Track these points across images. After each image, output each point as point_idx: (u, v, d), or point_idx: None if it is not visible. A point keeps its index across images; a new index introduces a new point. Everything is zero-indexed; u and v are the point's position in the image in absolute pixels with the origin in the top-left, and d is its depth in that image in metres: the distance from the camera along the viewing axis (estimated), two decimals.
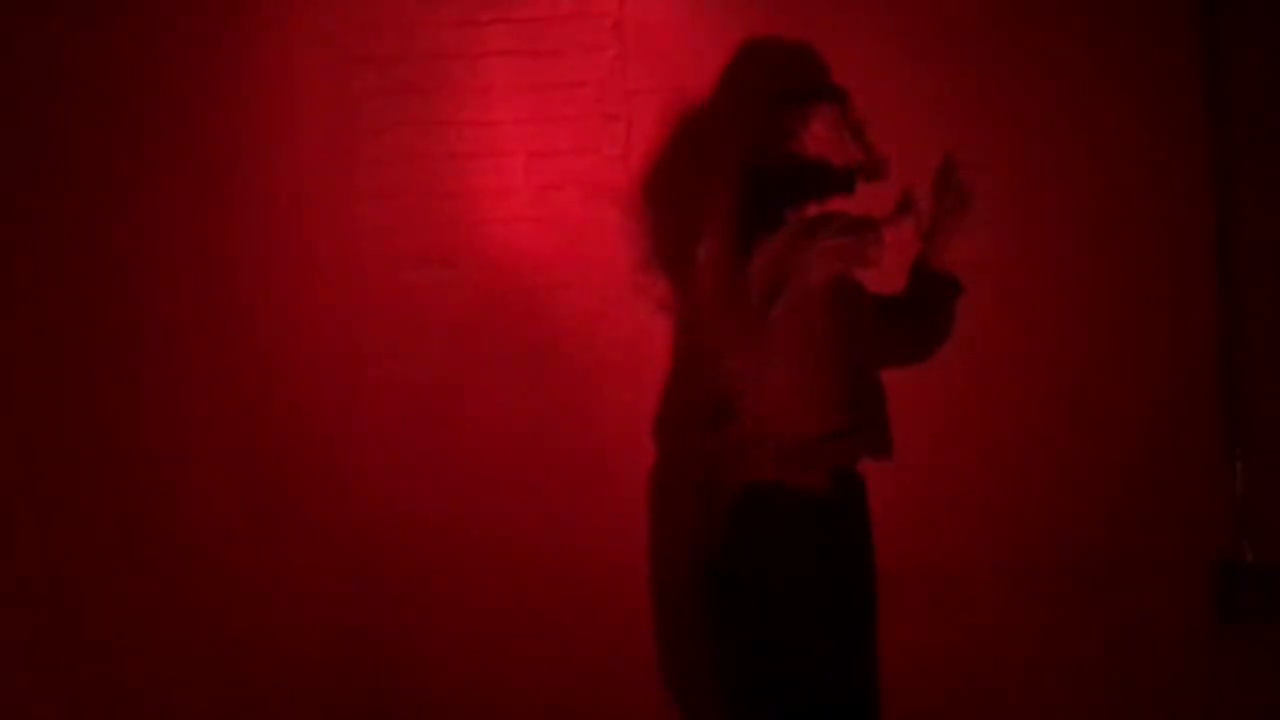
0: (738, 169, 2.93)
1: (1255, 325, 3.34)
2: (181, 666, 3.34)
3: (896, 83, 3.31)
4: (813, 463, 2.82)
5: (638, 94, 3.33)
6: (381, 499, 3.36)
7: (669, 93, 3.32)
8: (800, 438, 2.82)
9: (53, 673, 3.33)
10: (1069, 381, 3.35)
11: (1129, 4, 3.36)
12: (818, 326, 2.82)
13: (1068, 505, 3.34)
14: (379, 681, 3.36)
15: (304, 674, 3.35)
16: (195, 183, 3.36)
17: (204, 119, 3.35)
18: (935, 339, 3.01)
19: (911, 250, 2.90)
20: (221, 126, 3.35)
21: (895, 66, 3.32)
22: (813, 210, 2.81)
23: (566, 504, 3.35)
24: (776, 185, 2.86)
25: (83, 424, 3.35)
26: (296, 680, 3.35)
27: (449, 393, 3.36)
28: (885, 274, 2.94)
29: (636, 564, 3.34)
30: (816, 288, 2.78)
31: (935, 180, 2.88)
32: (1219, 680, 3.34)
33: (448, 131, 3.35)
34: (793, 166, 2.89)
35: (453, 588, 3.36)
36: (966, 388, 3.29)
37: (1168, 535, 3.34)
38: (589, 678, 3.34)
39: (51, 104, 3.35)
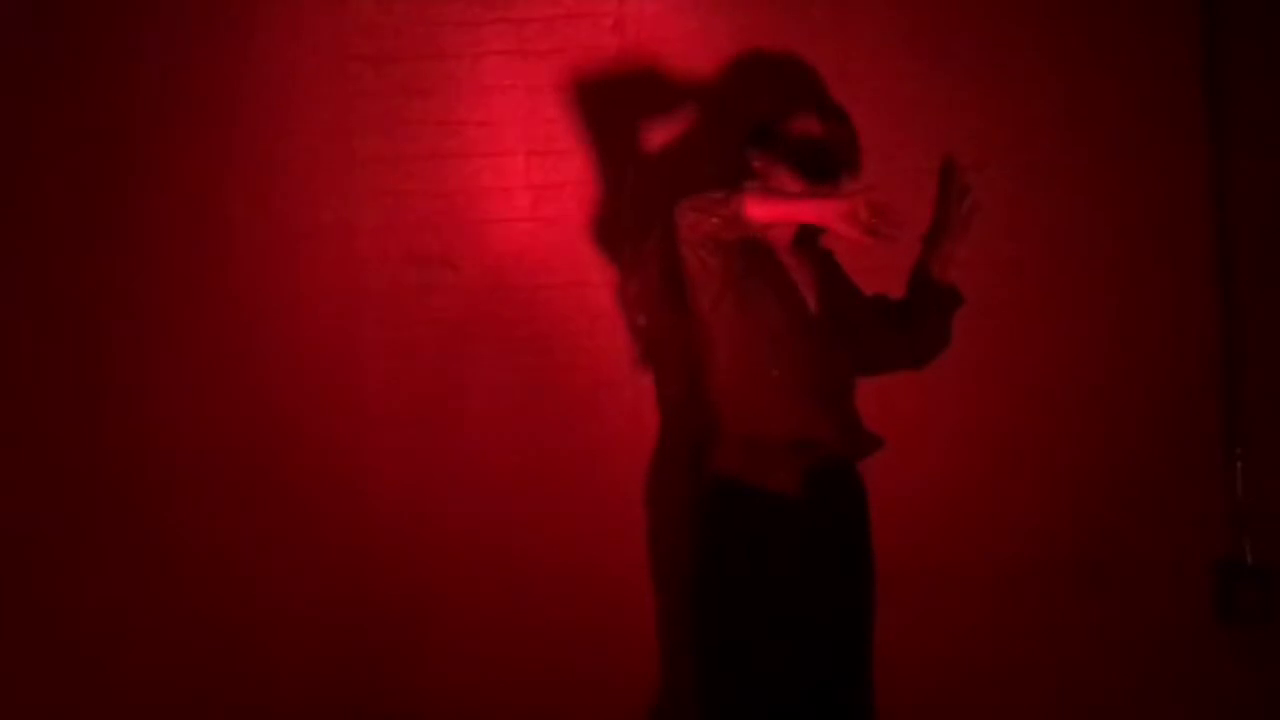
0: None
1: (1255, 325, 3.34)
2: (181, 666, 3.34)
3: (895, 82, 3.32)
4: (778, 463, 2.81)
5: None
6: (381, 498, 3.35)
7: (668, 92, 3.32)
8: (764, 436, 2.82)
9: (52, 672, 3.33)
10: (1069, 381, 3.35)
11: (1129, 3, 3.36)
12: (762, 325, 2.82)
13: (1068, 505, 3.35)
14: (376, 680, 3.36)
15: (302, 673, 3.35)
16: (195, 183, 3.35)
17: (204, 119, 3.35)
18: (933, 348, 3.01)
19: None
20: (222, 126, 3.35)
21: (894, 66, 3.32)
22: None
23: (566, 503, 3.34)
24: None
25: (82, 424, 3.35)
26: (294, 679, 3.35)
27: (449, 393, 3.36)
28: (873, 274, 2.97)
29: (637, 563, 3.34)
30: (686, 246, 2.73)
31: (939, 189, 2.89)
32: (1219, 680, 3.34)
33: (448, 131, 3.35)
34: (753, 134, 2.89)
35: (452, 586, 3.35)
36: (966, 387, 3.29)
37: (1168, 535, 3.34)
38: (590, 676, 3.34)
39: (49, 104, 3.34)
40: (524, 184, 3.35)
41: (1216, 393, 3.35)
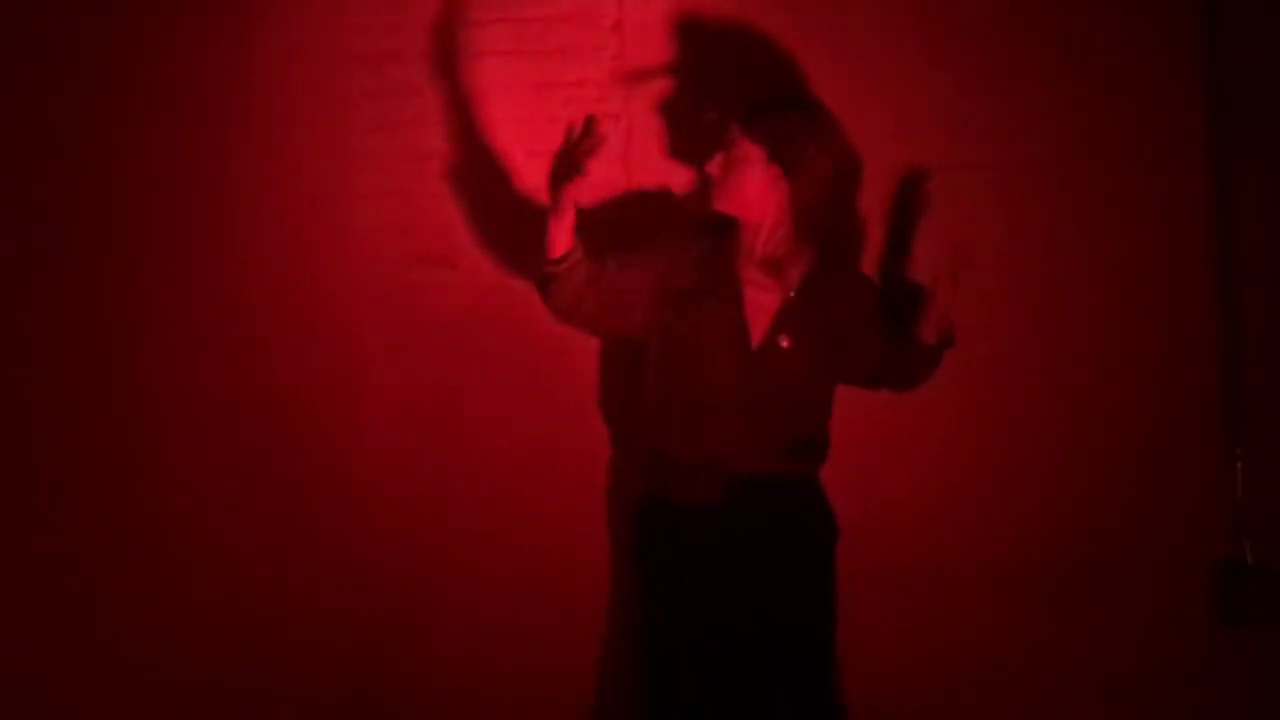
0: None
1: (1255, 325, 3.34)
2: (179, 658, 3.34)
3: (895, 82, 3.32)
4: (698, 478, 2.84)
5: (637, 94, 3.33)
6: (382, 498, 3.36)
7: (668, 93, 3.32)
8: (683, 455, 2.86)
9: (48, 664, 3.34)
10: (1068, 382, 3.35)
11: (1129, 4, 3.35)
12: (690, 345, 2.86)
13: (1068, 505, 3.34)
14: (375, 678, 3.36)
15: (300, 668, 3.35)
16: (194, 183, 3.36)
17: (203, 119, 3.35)
18: (916, 383, 3.04)
19: None
20: (221, 127, 3.35)
21: (894, 66, 3.32)
22: None
23: (566, 503, 3.34)
24: None
25: (82, 423, 3.35)
26: (292, 673, 3.35)
27: (449, 393, 3.36)
28: None
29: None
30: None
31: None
32: (1219, 680, 3.34)
33: (448, 132, 3.34)
34: None
35: (450, 584, 3.36)
36: (965, 388, 3.29)
37: (1168, 536, 3.34)
38: (589, 675, 3.34)
39: (46, 104, 3.35)
40: (524, 184, 3.35)
41: (1216, 393, 3.35)
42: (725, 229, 2.91)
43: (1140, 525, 3.34)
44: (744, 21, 3.31)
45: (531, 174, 3.35)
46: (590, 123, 2.77)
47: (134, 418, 3.36)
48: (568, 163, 2.78)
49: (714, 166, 2.86)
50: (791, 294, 2.89)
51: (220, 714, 3.35)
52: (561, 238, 2.83)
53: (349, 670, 3.35)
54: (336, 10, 3.34)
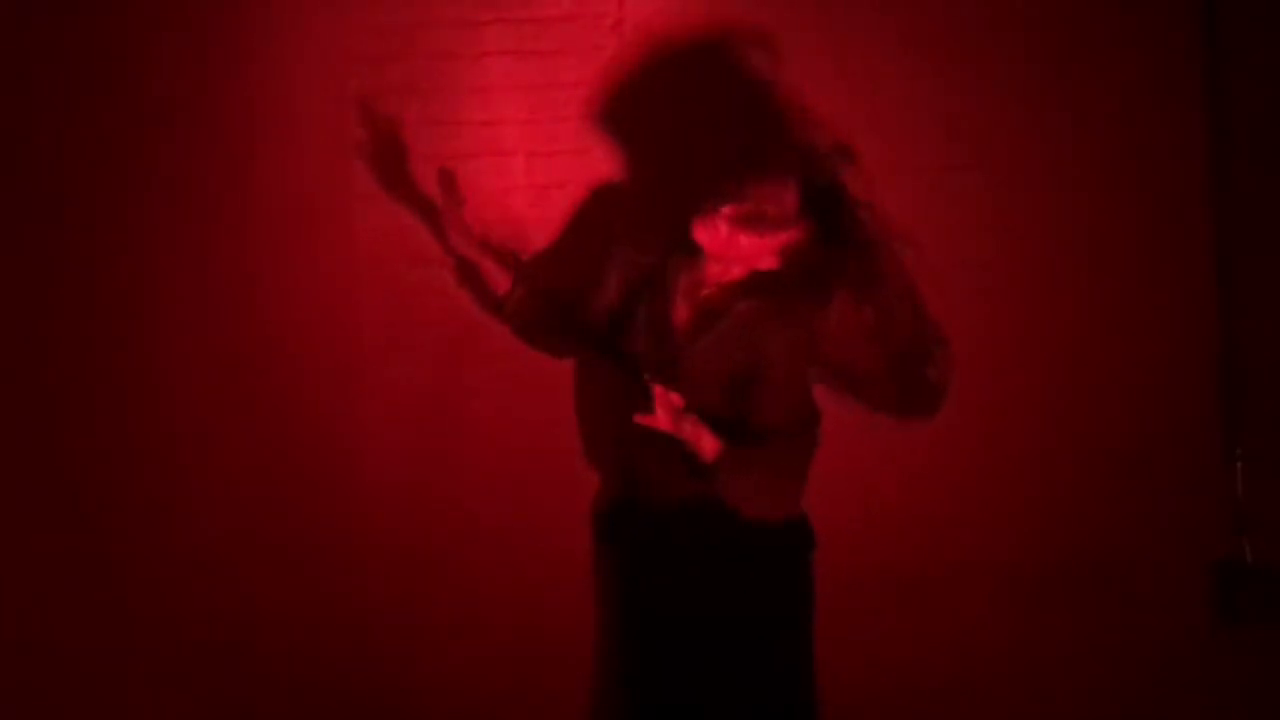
0: None
1: (1255, 325, 3.34)
2: (176, 661, 3.34)
3: (895, 83, 3.32)
4: (630, 481, 2.91)
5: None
6: (381, 499, 3.36)
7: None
8: (621, 460, 2.95)
9: (46, 664, 3.34)
10: (1068, 383, 3.35)
11: (1128, 4, 3.36)
12: (632, 353, 2.88)
13: (1067, 506, 3.35)
14: (373, 680, 3.36)
15: (297, 669, 3.35)
16: (194, 183, 3.36)
17: (203, 119, 3.35)
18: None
19: None
20: (221, 127, 3.35)
21: (894, 67, 3.32)
22: None
23: (566, 504, 3.34)
24: None
25: (82, 424, 3.35)
26: (290, 675, 3.35)
27: (449, 393, 3.36)
28: None
29: None
30: None
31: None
32: (1219, 680, 3.34)
33: (448, 131, 3.35)
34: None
35: (449, 585, 3.36)
36: (965, 388, 3.28)
37: (1168, 536, 3.34)
38: (584, 674, 3.34)
39: (48, 104, 3.35)
40: (524, 184, 3.35)
41: (1216, 392, 3.35)
42: (684, 249, 2.83)
43: (1140, 525, 3.35)
44: (742, 22, 3.31)
45: (532, 174, 3.36)
46: (444, 176, 3.01)
47: (133, 417, 3.36)
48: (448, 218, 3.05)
49: (736, 183, 2.69)
50: (723, 310, 2.82)
51: (217, 713, 3.35)
52: (497, 282, 3.09)
53: (346, 669, 3.35)
54: (337, 10, 3.34)
